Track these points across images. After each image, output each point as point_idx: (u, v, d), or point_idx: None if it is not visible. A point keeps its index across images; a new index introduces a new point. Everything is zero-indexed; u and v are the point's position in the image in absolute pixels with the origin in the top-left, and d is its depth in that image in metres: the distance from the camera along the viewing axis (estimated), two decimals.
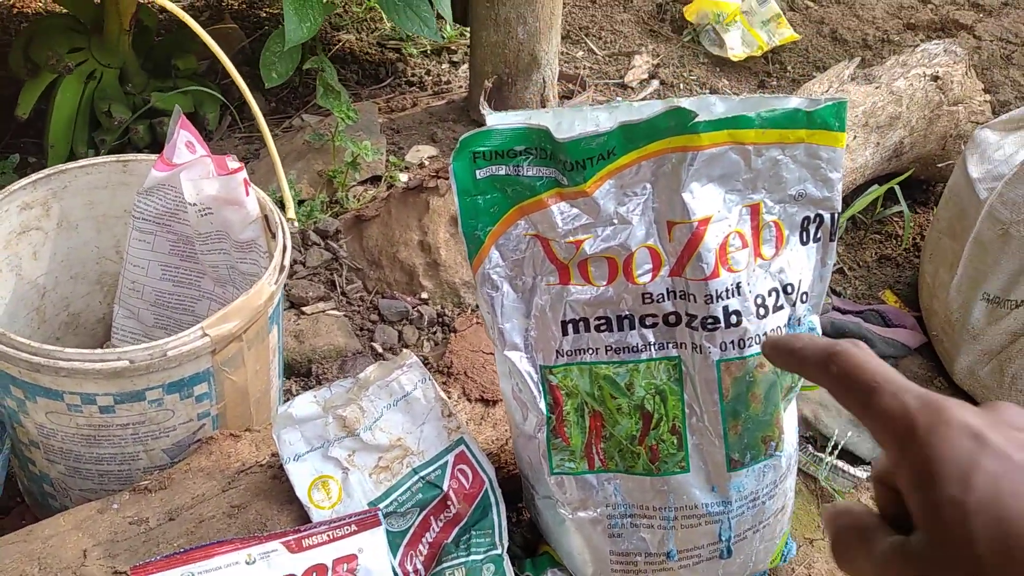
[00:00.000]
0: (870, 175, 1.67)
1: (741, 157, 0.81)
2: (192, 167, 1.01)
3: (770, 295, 0.88)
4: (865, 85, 1.60)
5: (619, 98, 1.88)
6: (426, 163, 1.76)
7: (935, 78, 1.68)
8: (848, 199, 1.72)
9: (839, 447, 1.25)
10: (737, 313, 0.86)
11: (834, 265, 1.70)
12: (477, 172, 0.82)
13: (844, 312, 1.55)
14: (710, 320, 0.86)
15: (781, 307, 0.90)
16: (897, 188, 1.64)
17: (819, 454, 1.27)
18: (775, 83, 2.18)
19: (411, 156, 1.76)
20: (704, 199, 0.82)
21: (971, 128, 1.74)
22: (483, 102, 1.79)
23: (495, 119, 0.87)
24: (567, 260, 0.86)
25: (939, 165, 1.76)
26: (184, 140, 1.03)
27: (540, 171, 0.82)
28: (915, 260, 1.74)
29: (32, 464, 1.02)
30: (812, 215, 0.88)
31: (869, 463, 1.28)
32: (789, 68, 2.21)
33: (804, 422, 1.28)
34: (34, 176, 1.02)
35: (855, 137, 1.56)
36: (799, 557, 1.16)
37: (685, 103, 0.81)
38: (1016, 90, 2.07)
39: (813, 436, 1.29)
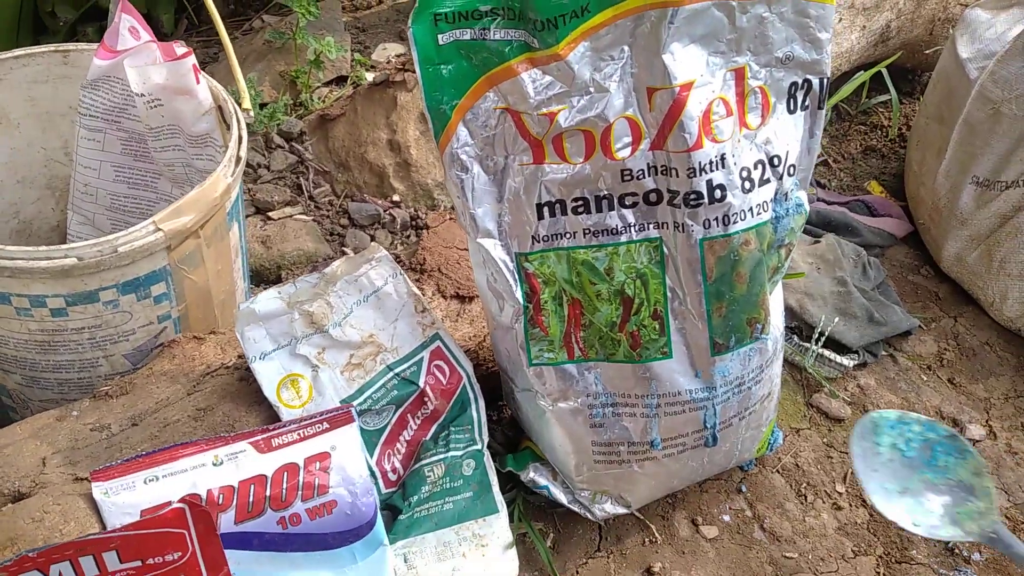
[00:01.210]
0: (856, 61, 1.60)
1: (725, 14, 0.76)
2: (137, 53, 0.94)
3: (756, 167, 0.84)
4: None
5: None
6: (393, 60, 1.68)
7: None
8: (833, 86, 1.66)
9: (825, 335, 1.22)
10: (721, 187, 0.82)
11: (820, 157, 1.66)
12: (439, 37, 0.76)
13: (829, 203, 1.51)
14: (693, 195, 0.82)
15: (767, 180, 0.85)
16: (885, 72, 1.58)
17: (805, 344, 1.24)
18: None
19: (378, 55, 1.68)
20: (686, 61, 0.77)
21: (960, 12, 1.68)
22: None
23: None
24: (541, 135, 0.81)
25: (927, 51, 1.70)
26: (127, 25, 0.96)
27: (508, 34, 0.76)
28: (901, 151, 1.69)
29: None
30: (800, 80, 0.83)
31: (856, 351, 1.25)
32: None
33: (789, 312, 1.25)
34: None
35: (840, 20, 1.50)
36: (786, 446, 1.14)
37: None
38: None
39: (798, 326, 1.26)
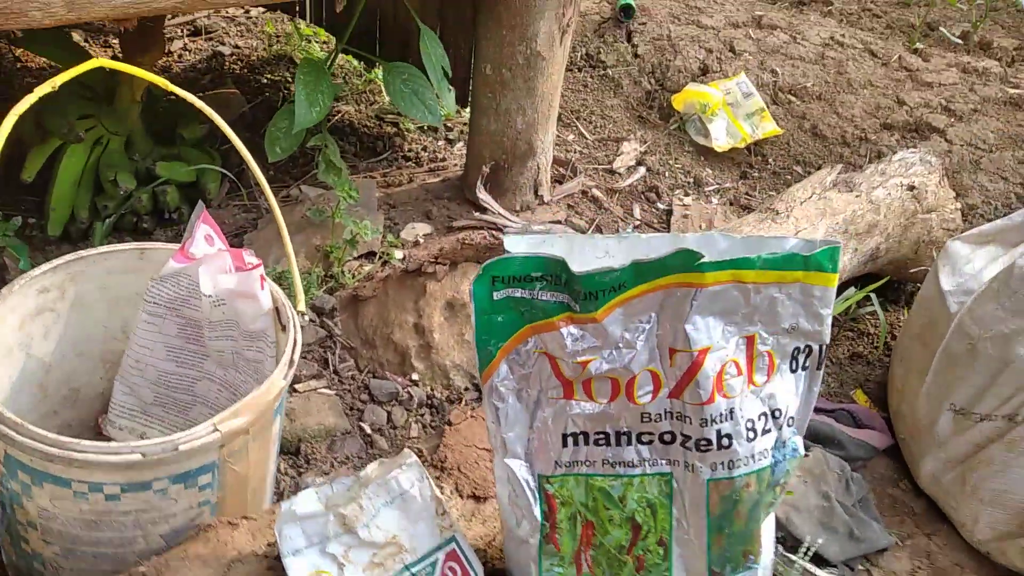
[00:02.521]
0: (847, 277, 1.74)
1: (741, 294, 0.87)
2: (211, 261, 1.04)
3: (759, 419, 0.94)
4: (846, 193, 1.68)
5: (629, 229, 1.95)
6: (421, 240, 1.80)
7: (911, 187, 1.77)
8: None
9: (811, 552, 1.29)
10: (729, 436, 0.91)
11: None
12: (495, 294, 0.87)
13: (817, 411, 1.61)
14: (703, 442, 0.91)
15: (769, 430, 0.95)
16: (874, 296, 1.71)
17: (789, 555, 1.31)
18: (757, 175, 2.26)
19: (406, 233, 1.80)
20: (705, 330, 0.88)
21: (942, 235, 1.83)
22: (480, 187, 1.85)
23: (512, 244, 0.92)
24: (572, 378, 0.91)
25: (911, 270, 1.84)
26: (204, 233, 1.07)
27: (554, 296, 0.87)
28: (885, 359, 1.80)
29: (25, 543, 1.03)
30: (802, 346, 0.94)
31: (835, 566, 1.32)
32: (771, 161, 2.30)
33: (776, 523, 1.33)
34: (55, 261, 1.05)
35: None
36: None
37: (690, 241, 0.87)
38: (983, 194, 2.17)
39: (784, 536, 1.33)
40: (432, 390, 1.48)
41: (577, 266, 0.85)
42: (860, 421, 1.61)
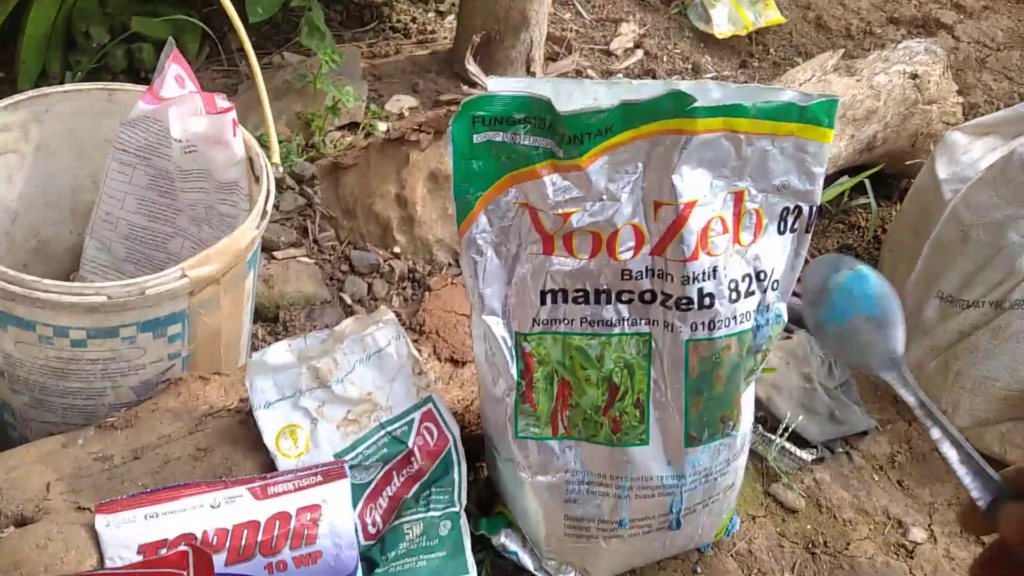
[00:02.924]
0: (842, 165, 1.70)
1: (733, 145, 0.83)
2: (181, 103, 0.99)
3: (743, 280, 0.91)
4: (847, 77, 1.63)
5: (619, 76, 1.88)
6: (406, 113, 1.74)
7: (914, 76, 1.71)
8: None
9: (789, 429, 1.29)
10: (711, 296, 0.89)
11: None
12: (475, 136, 0.83)
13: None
14: (684, 300, 0.89)
15: (752, 292, 0.92)
16: (867, 182, 1.68)
17: (769, 435, 1.31)
18: (757, 64, 2.19)
19: (391, 105, 1.74)
20: (692, 183, 0.84)
21: (942, 128, 1.79)
22: (469, 57, 1.78)
23: (497, 84, 0.87)
24: (553, 231, 0.88)
25: (907, 162, 1.80)
26: (174, 73, 1.02)
27: (536, 141, 0.83)
28: (875, 252, 1.78)
29: None
30: (792, 206, 0.90)
31: (815, 447, 1.33)
32: (772, 51, 2.22)
33: (757, 402, 1.32)
34: (15, 97, 1.00)
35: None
36: (741, 532, 1.21)
37: (684, 87, 0.82)
38: (987, 93, 2.12)
39: (764, 416, 1.33)
40: (414, 264, 1.45)
41: (566, 108, 0.81)
42: None
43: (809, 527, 1.25)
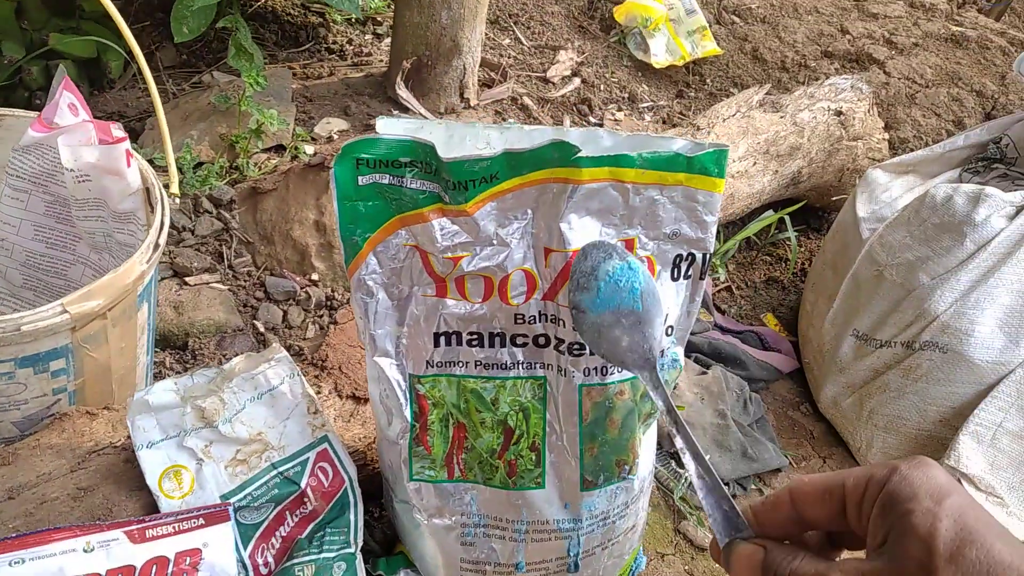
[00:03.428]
0: (767, 200, 1.72)
1: (620, 194, 0.83)
2: (72, 132, 0.97)
3: None
4: (771, 113, 1.64)
5: (511, 120, 1.88)
6: (335, 137, 1.73)
7: (838, 113, 1.73)
8: (744, 220, 1.77)
9: None
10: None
11: (724, 282, 1.75)
12: (360, 179, 0.81)
13: (724, 331, 1.61)
14: (576, 346, 0.88)
15: None
16: (787, 218, 1.70)
17: (680, 470, 1.31)
18: (693, 94, 2.21)
19: (320, 128, 1.73)
20: (581, 230, 0.83)
21: (867, 163, 1.82)
22: (400, 83, 1.77)
23: (385, 126, 0.86)
24: (444, 275, 0.87)
25: (834, 198, 1.83)
26: (67, 102, 0.99)
27: (424, 185, 0.82)
28: (800, 285, 1.80)
29: None
30: (685, 253, 0.90)
31: (727, 484, 1.33)
32: (708, 81, 2.24)
33: (669, 439, 1.33)
34: None
35: (755, 163, 1.61)
36: (648, 571, 1.20)
37: (573, 136, 0.82)
38: (915, 129, 2.16)
39: (676, 453, 1.33)
40: (333, 291, 1.43)
41: (453, 154, 0.80)
42: (767, 343, 1.61)
43: (718, 566, 1.25)
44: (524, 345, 0.90)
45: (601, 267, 0.71)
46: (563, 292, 0.86)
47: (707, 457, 0.59)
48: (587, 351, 0.88)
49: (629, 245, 0.86)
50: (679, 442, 0.58)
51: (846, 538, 0.51)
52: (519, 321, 0.89)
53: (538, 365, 0.91)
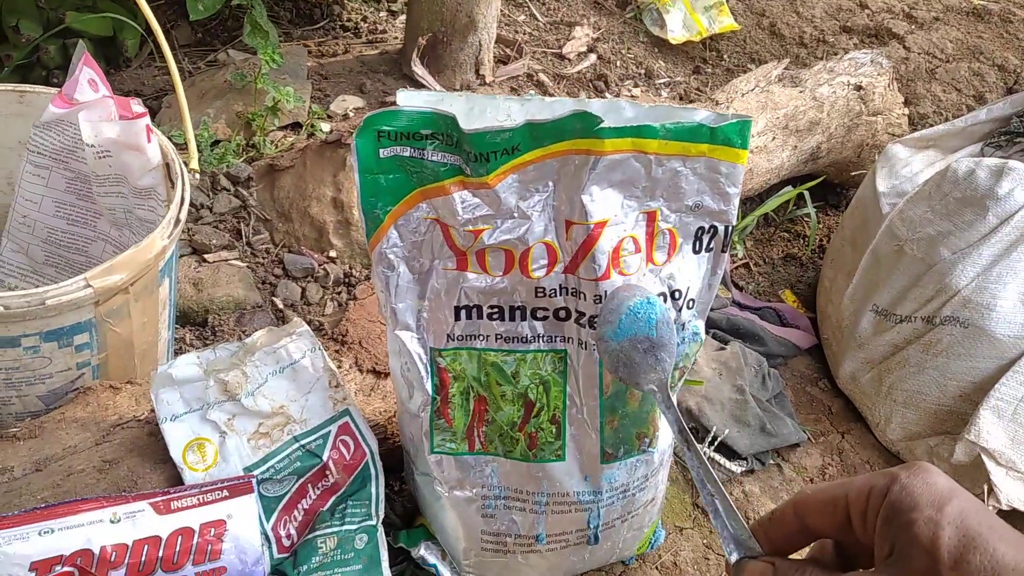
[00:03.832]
0: (785, 175, 1.71)
1: (642, 165, 0.82)
2: (92, 107, 0.97)
3: (658, 297, 0.91)
4: (790, 88, 1.63)
5: (531, 92, 1.87)
6: (351, 114, 1.72)
7: (858, 87, 1.72)
8: (763, 196, 1.76)
9: (718, 440, 1.30)
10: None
11: (742, 259, 1.75)
12: (381, 151, 0.81)
13: (743, 307, 1.60)
14: (596, 318, 0.88)
15: None
16: (806, 193, 1.68)
17: (699, 445, 1.31)
18: (710, 70, 2.20)
19: (336, 106, 1.72)
20: (602, 203, 0.83)
21: (887, 139, 1.80)
22: (415, 60, 1.77)
23: (405, 98, 0.86)
24: (465, 248, 0.87)
25: (853, 173, 1.81)
26: (87, 77, 0.99)
27: (445, 157, 0.82)
28: (819, 262, 1.79)
29: None
30: (707, 226, 0.90)
31: (745, 458, 1.33)
32: (725, 57, 2.22)
33: (688, 413, 1.33)
34: None
35: (774, 138, 1.60)
36: (667, 544, 1.21)
37: (595, 107, 0.82)
38: (935, 104, 2.13)
39: (695, 428, 1.34)
40: (351, 268, 1.44)
41: (474, 126, 0.80)
42: (785, 320, 1.60)
43: None
44: (544, 319, 0.90)
45: (624, 304, 0.79)
46: (584, 266, 0.86)
47: (718, 481, 0.61)
48: None
49: (651, 217, 0.86)
50: (689, 461, 0.61)
51: (860, 555, 0.51)
52: (539, 295, 0.89)
53: (559, 338, 0.91)
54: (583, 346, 0.90)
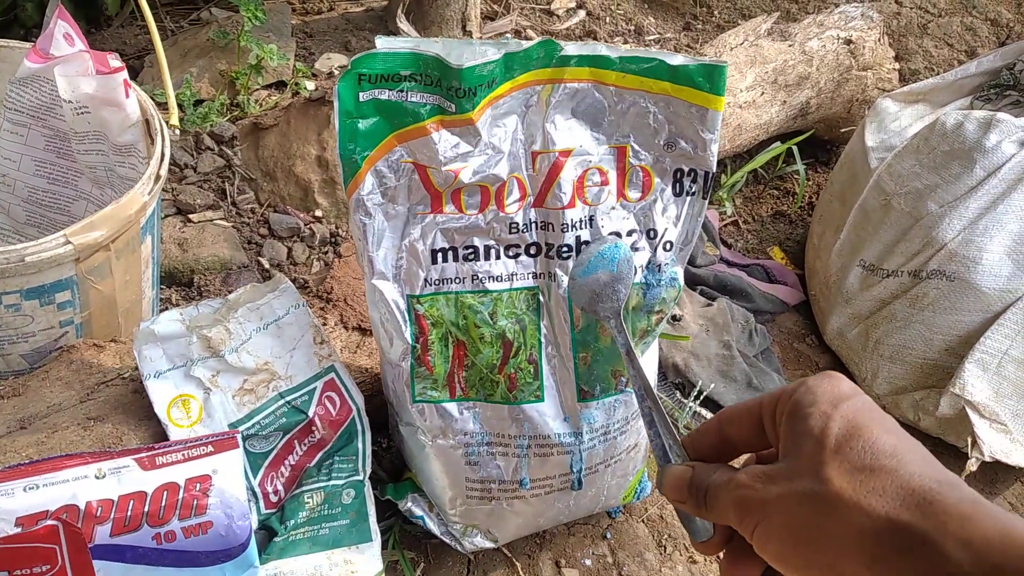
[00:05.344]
0: (775, 131, 1.70)
1: (604, 97, 0.84)
2: (68, 62, 0.96)
3: (629, 235, 0.91)
4: (779, 42, 1.61)
5: (507, 36, 1.85)
6: (336, 72, 1.70)
7: (848, 42, 1.70)
8: (752, 152, 1.75)
9: (703, 395, 1.30)
10: (588, 243, 0.89)
11: (731, 216, 1.74)
12: (361, 95, 0.81)
13: (731, 264, 1.60)
14: (564, 248, 0.89)
15: (639, 248, 0.92)
16: (795, 149, 1.68)
17: (685, 400, 1.32)
18: (700, 26, 2.17)
19: (321, 64, 1.71)
20: (566, 132, 0.84)
21: (877, 94, 1.79)
22: (400, 15, 1.75)
23: (384, 43, 0.85)
24: (442, 188, 0.87)
25: (843, 129, 1.80)
26: (62, 31, 0.98)
27: (424, 97, 0.81)
28: (808, 219, 1.79)
29: None
30: (687, 169, 0.90)
31: None
32: (716, 13, 2.20)
33: (675, 369, 1.33)
34: None
35: (763, 93, 1.58)
36: (653, 497, 1.22)
37: (571, 48, 0.82)
38: (927, 60, 2.12)
39: (682, 383, 1.34)
40: (337, 228, 1.43)
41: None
42: (773, 276, 1.61)
43: None
44: (517, 256, 0.91)
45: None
46: (550, 196, 0.87)
47: (657, 392, 0.64)
48: (573, 252, 0.90)
49: (621, 152, 0.87)
50: (630, 372, 0.66)
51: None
52: (513, 230, 0.90)
53: (531, 275, 0.92)
54: (552, 279, 0.91)
